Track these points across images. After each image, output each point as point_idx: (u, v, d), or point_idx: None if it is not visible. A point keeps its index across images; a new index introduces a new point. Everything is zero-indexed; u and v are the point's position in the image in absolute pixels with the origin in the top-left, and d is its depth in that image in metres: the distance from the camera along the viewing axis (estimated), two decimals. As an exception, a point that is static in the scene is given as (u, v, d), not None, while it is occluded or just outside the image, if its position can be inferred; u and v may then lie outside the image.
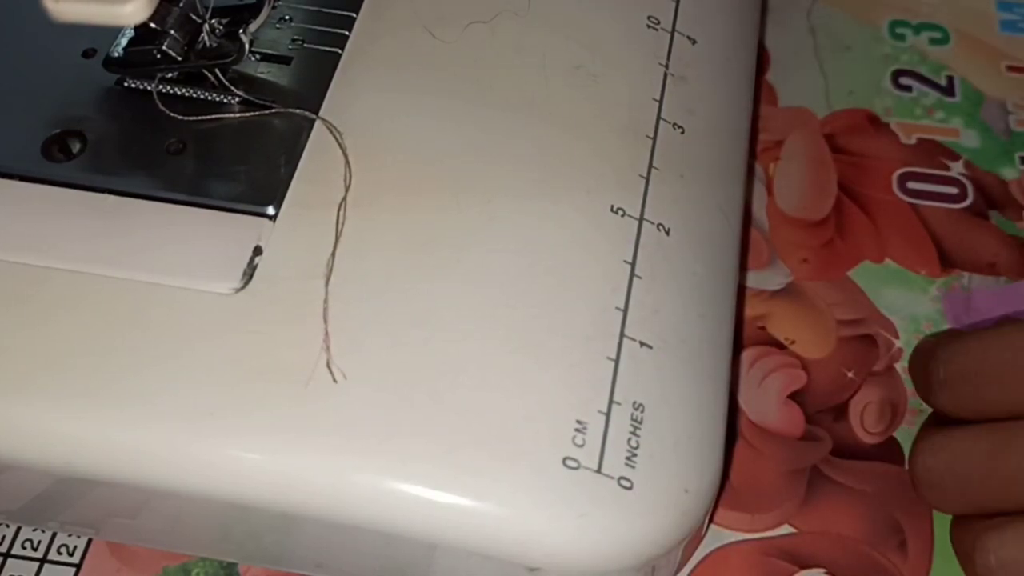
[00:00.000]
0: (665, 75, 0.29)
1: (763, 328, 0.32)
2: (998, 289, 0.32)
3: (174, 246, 0.25)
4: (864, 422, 0.31)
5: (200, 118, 0.27)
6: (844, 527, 0.29)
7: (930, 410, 0.30)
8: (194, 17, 0.27)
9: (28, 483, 0.25)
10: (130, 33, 0.28)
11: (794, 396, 0.31)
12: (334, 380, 0.23)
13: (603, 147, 0.27)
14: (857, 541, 0.29)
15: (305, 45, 0.29)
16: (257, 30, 0.28)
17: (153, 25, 0.26)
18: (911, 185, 0.35)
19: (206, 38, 0.27)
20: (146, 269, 0.25)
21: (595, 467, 0.23)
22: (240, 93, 0.27)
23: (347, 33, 0.29)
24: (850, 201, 0.35)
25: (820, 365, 0.32)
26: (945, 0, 0.40)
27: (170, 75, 0.28)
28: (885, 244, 0.34)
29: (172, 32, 0.27)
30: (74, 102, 0.27)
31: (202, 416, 0.23)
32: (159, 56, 0.27)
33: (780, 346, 0.32)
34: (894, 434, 0.30)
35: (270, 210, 0.26)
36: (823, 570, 0.28)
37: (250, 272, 0.25)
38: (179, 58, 0.27)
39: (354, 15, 0.29)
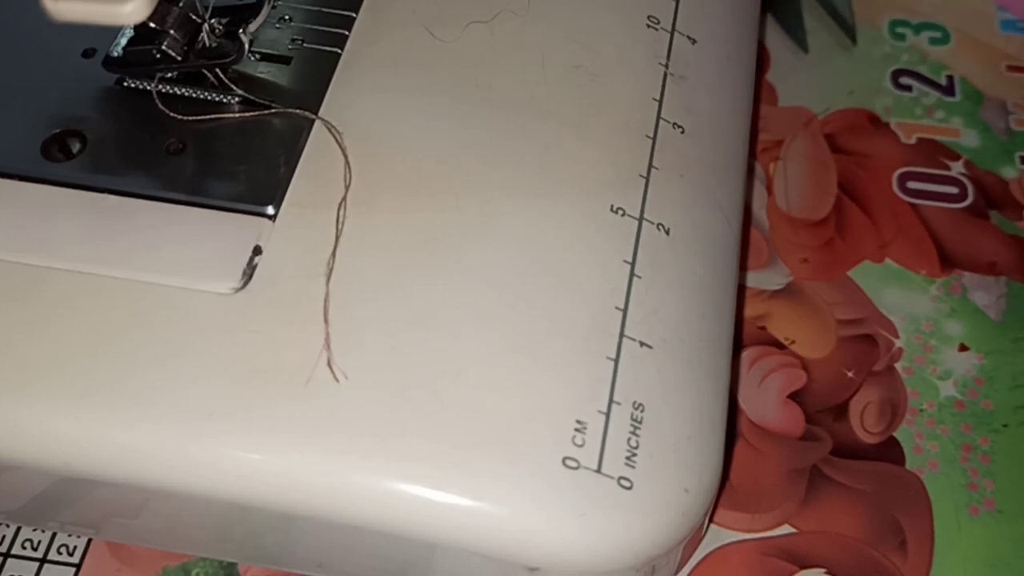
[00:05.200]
0: (665, 74, 0.29)
1: (763, 328, 0.32)
2: None
3: (174, 246, 0.25)
4: (864, 422, 0.31)
5: (200, 118, 0.27)
6: (844, 527, 0.29)
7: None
8: (194, 17, 0.27)
9: (28, 483, 0.25)
10: (130, 33, 0.28)
11: (794, 396, 0.31)
12: (335, 380, 0.23)
13: (603, 147, 0.27)
14: (857, 541, 0.29)
15: (305, 45, 0.29)
16: (257, 30, 0.28)
17: (153, 25, 0.26)
18: (911, 185, 0.35)
19: (206, 38, 0.27)
20: (146, 269, 0.25)
21: (595, 467, 0.23)
22: (240, 92, 0.27)
23: (347, 33, 0.29)
24: (850, 201, 0.35)
25: (820, 365, 0.32)
26: (945, 0, 0.40)
27: (170, 75, 0.28)
28: (885, 244, 0.34)
29: (172, 32, 0.26)
30: (74, 102, 0.27)
31: (202, 416, 0.23)
32: (159, 56, 0.27)
33: (780, 346, 0.32)
34: (894, 434, 0.30)
35: (270, 210, 0.26)
36: (823, 570, 0.28)
37: (250, 272, 0.25)
38: (179, 58, 0.27)
39: (353, 15, 0.29)
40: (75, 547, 0.29)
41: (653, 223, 0.26)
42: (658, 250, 0.26)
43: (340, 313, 0.24)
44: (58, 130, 0.27)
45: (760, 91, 0.37)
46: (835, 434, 0.30)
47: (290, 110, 0.27)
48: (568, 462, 0.22)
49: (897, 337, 0.32)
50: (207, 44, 0.27)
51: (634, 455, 0.23)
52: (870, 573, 0.28)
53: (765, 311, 0.33)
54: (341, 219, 0.25)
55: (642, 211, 0.26)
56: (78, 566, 0.28)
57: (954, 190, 0.35)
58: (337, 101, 0.27)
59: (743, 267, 0.33)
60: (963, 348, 0.32)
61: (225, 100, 0.27)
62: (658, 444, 0.23)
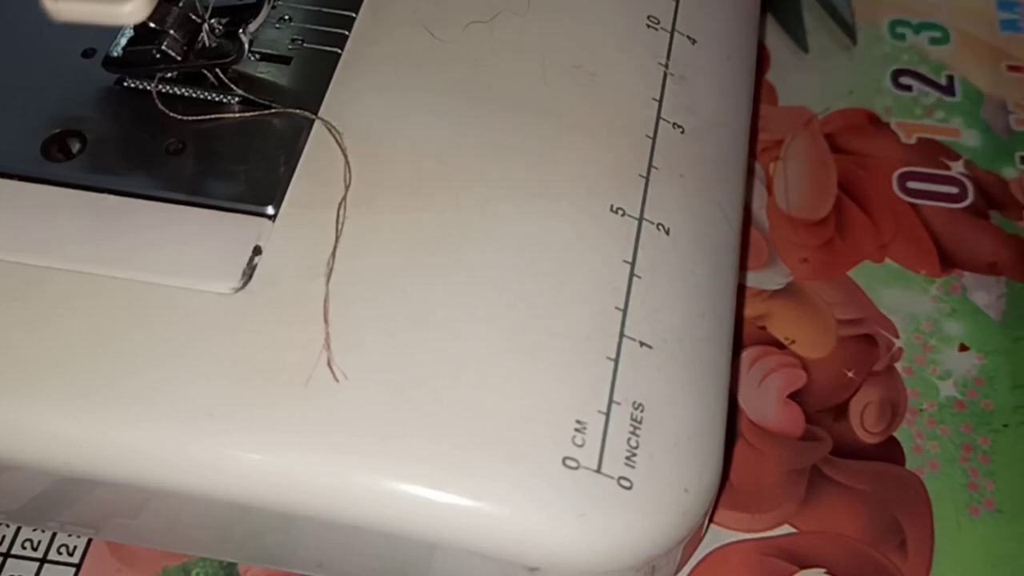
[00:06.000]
0: (665, 74, 0.29)
1: (763, 328, 0.32)
2: None
3: (174, 246, 0.25)
4: (864, 422, 0.31)
5: (200, 118, 0.27)
6: (844, 527, 0.29)
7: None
8: (194, 17, 0.27)
9: (28, 483, 0.25)
10: (130, 33, 0.28)
11: (794, 396, 0.31)
12: (335, 379, 0.23)
13: (603, 146, 0.27)
14: (857, 541, 0.29)
15: (305, 45, 0.29)
16: (257, 30, 0.27)
17: (152, 25, 0.26)
18: (911, 185, 0.35)
19: (206, 38, 0.27)
20: (146, 269, 0.25)
21: (595, 467, 0.23)
22: (240, 92, 0.27)
23: (347, 33, 0.29)
24: (850, 201, 0.35)
25: (820, 365, 0.32)
26: (945, 0, 0.40)
27: (170, 75, 0.28)
28: (885, 244, 0.34)
29: (172, 32, 0.26)
30: (74, 102, 0.27)
31: (202, 416, 0.23)
32: (159, 56, 0.27)
33: (780, 346, 0.32)
34: (894, 434, 0.30)
35: (269, 210, 0.26)
36: (823, 570, 0.28)
37: (250, 272, 0.25)
38: (179, 58, 0.27)
39: (353, 15, 0.29)
40: (75, 547, 0.29)
41: (653, 223, 0.26)
42: (658, 250, 0.26)
43: (340, 313, 0.24)
44: (58, 130, 0.27)
45: (760, 91, 0.37)
46: (835, 434, 0.30)
47: (290, 110, 0.27)
48: (568, 462, 0.22)
49: (897, 337, 0.32)
50: (207, 44, 0.27)
51: (634, 455, 0.23)
52: (870, 573, 0.28)
53: (765, 311, 0.33)
54: (341, 219, 0.25)
55: (642, 211, 0.26)
56: (78, 566, 0.28)
57: (954, 190, 0.35)
58: (337, 101, 0.27)
59: (743, 267, 0.33)
60: (963, 348, 0.32)
61: (225, 100, 0.27)
62: (658, 444, 0.23)
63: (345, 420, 0.23)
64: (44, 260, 0.25)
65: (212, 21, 0.27)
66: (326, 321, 0.24)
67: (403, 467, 0.22)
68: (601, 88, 0.28)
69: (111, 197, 0.26)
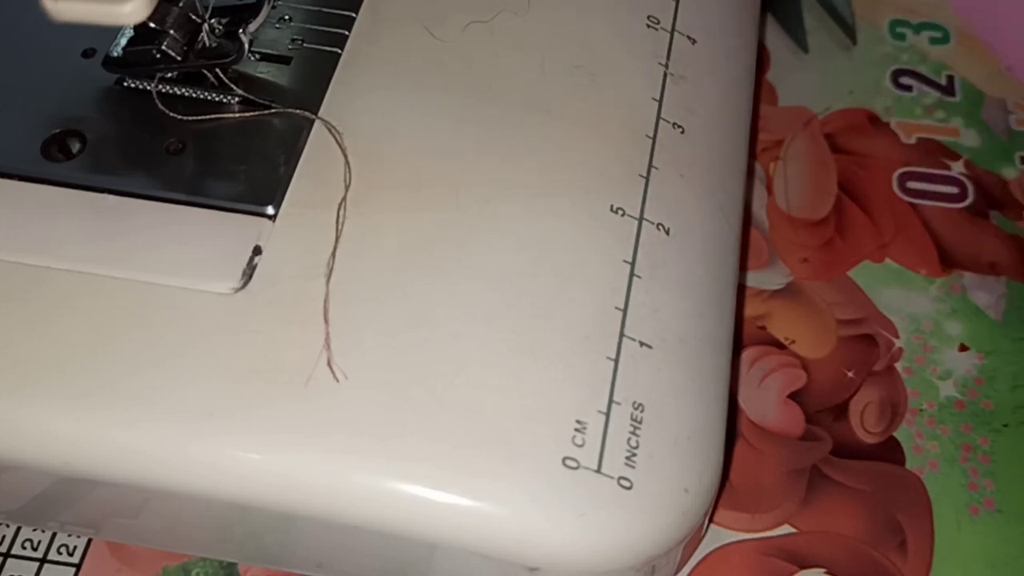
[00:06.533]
0: (665, 74, 0.29)
1: (763, 328, 0.32)
2: None
3: (174, 246, 0.25)
4: (864, 422, 0.31)
5: (200, 118, 0.27)
6: (844, 527, 0.29)
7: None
8: (194, 17, 0.27)
9: (28, 483, 0.25)
10: (130, 33, 0.28)
11: (794, 396, 0.31)
12: (335, 379, 0.23)
13: (603, 146, 0.27)
14: (857, 541, 0.29)
15: (305, 45, 0.29)
16: (257, 30, 0.28)
17: (153, 25, 0.26)
18: (911, 185, 0.35)
19: (206, 38, 0.27)
20: (146, 269, 0.25)
21: (595, 467, 0.23)
22: (240, 92, 0.27)
23: (347, 33, 0.29)
24: (850, 201, 0.35)
25: (820, 365, 0.32)
26: (945, 0, 0.40)
27: (170, 75, 0.28)
28: (885, 244, 0.34)
29: (172, 32, 0.26)
30: (74, 102, 0.27)
31: (202, 416, 0.23)
32: (159, 56, 0.27)
33: (780, 346, 0.32)
34: (894, 434, 0.30)
35: (270, 210, 0.26)
36: (823, 570, 0.28)
37: (250, 272, 0.25)
38: (179, 58, 0.27)
39: (353, 15, 0.29)
40: (75, 547, 0.29)
41: (653, 223, 0.26)
42: (658, 250, 0.26)
43: (340, 313, 0.24)
44: (58, 130, 0.27)
45: (760, 91, 0.37)
46: (835, 434, 0.30)
47: (290, 110, 0.27)
48: (568, 462, 0.22)
49: (897, 337, 0.32)
50: (207, 44, 0.27)
51: (634, 455, 0.23)
52: (870, 573, 0.28)
53: (765, 311, 0.33)
54: (341, 219, 0.25)
55: (642, 211, 0.26)
56: (78, 566, 0.28)
57: (954, 190, 0.35)
58: (337, 101, 0.27)
59: (743, 267, 0.33)
60: (963, 348, 0.32)
61: (225, 100, 0.27)
62: (658, 444, 0.23)
63: (345, 420, 0.23)
64: (44, 260, 0.25)
65: (212, 21, 0.27)
66: (326, 321, 0.24)
67: (403, 467, 0.22)
68: (601, 88, 0.28)
69: (111, 197, 0.26)
